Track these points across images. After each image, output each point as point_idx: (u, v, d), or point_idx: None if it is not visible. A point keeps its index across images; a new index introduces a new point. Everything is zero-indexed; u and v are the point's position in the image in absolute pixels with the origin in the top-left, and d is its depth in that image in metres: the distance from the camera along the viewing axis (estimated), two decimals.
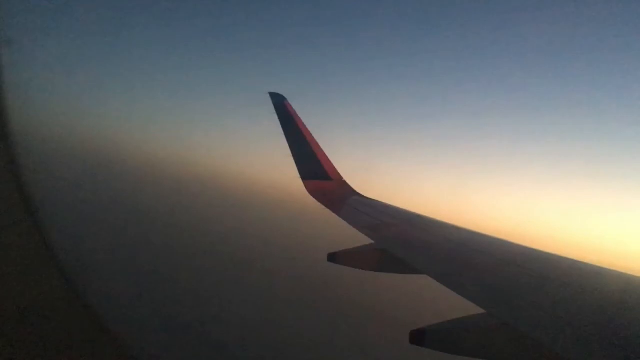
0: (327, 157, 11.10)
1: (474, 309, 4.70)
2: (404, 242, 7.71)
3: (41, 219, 5.18)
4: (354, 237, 7.95)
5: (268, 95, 11.72)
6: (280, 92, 11.82)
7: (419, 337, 4.52)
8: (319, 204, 9.80)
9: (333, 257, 7.69)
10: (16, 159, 4.94)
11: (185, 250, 59.98)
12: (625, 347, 3.81)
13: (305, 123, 11.36)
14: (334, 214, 9.17)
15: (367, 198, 10.47)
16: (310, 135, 11.20)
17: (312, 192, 10.21)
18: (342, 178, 10.98)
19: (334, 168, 11.04)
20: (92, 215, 63.01)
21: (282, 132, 11.06)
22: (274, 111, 11.39)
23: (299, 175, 10.57)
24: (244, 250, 66.37)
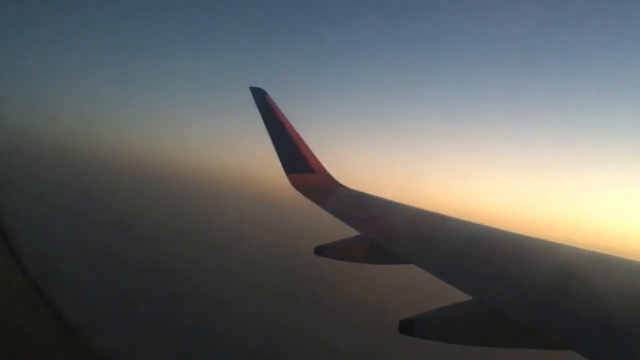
0: (310, 150, 11.05)
1: (462, 297, 4.71)
2: (390, 233, 7.71)
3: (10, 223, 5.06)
4: (340, 230, 7.94)
5: (249, 90, 11.64)
6: (261, 86, 11.74)
7: (408, 326, 4.51)
8: (303, 197, 9.77)
9: (320, 250, 7.67)
10: None
11: (170, 247, 59.73)
12: (613, 329, 3.83)
13: (287, 116, 11.31)
14: (319, 207, 9.15)
15: (351, 190, 10.46)
16: (293, 128, 11.14)
17: (297, 185, 10.17)
18: (325, 170, 10.95)
19: (317, 161, 11.00)
20: (73, 216, 62.53)
21: (264, 127, 11.00)
22: (255, 105, 11.32)
23: (282, 169, 10.53)
24: (229, 246, 66.18)
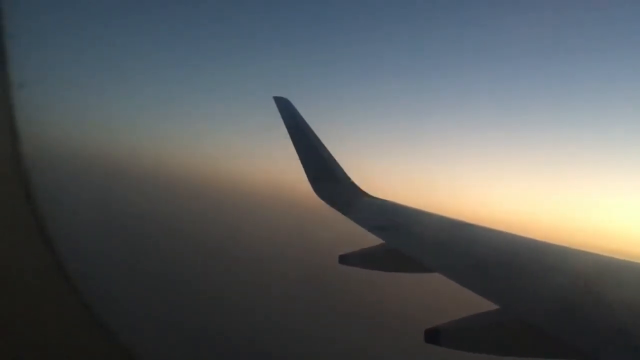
0: (334, 158, 11.10)
1: (487, 306, 4.68)
2: (415, 241, 7.70)
3: (43, 219, 5.22)
4: (364, 238, 7.94)
5: (272, 100, 11.77)
6: (285, 96, 11.85)
7: (434, 335, 4.50)
8: (328, 206, 9.81)
9: (344, 259, 7.68)
10: (21, 160, 4.98)
11: (195, 253, 60.10)
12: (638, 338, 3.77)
13: (311, 125, 11.39)
14: (343, 216, 9.17)
15: (376, 198, 10.46)
16: (316, 137, 11.21)
17: (321, 194, 10.21)
18: (350, 179, 10.97)
19: (341, 169, 11.04)
20: (96, 218, 63.30)
21: (288, 136, 11.09)
22: (278, 115, 11.44)
23: (306, 179, 10.59)
24: (255, 254, 66.30)
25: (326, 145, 11.23)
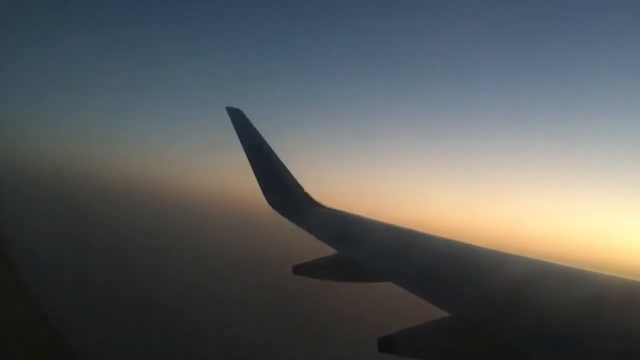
0: (286, 168, 11.07)
1: (440, 313, 4.74)
2: (368, 250, 7.73)
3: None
4: (318, 248, 7.94)
5: (225, 110, 11.68)
6: (237, 106, 11.80)
7: (387, 343, 4.52)
8: (281, 216, 9.77)
9: (298, 269, 7.65)
10: None
11: (147, 264, 58.85)
12: (593, 347, 3.87)
13: (264, 135, 11.35)
14: (296, 226, 9.15)
15: (328, 208, 10.47)
16: (269, 147, 11.18)
17: (274, 204, 10.16)
18: (303, 189, 10.96)
19: (294, 179, 11.02)
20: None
21: (241, 146, 11.01)
22: (231, 125, 11.35)
23: (259, 189, 10.52)
24: (205, 265, 65.51)
25: (279, 155, 11.21)
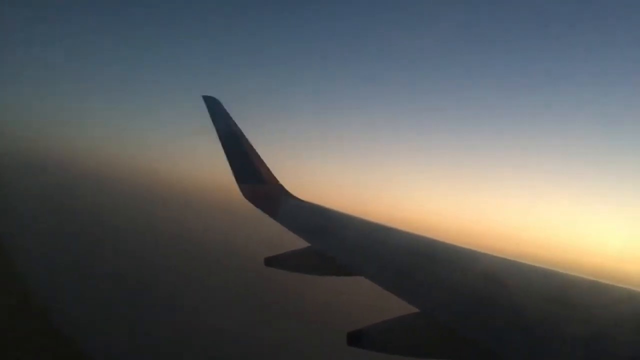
0: (262, 160, 11.02)
1: (409, 309, 4.78)
2: (340, 244, 7.75)
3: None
4: (290, 241, 7.93)
5: (201, 98, 11.57)
6: (214, 95, 11.69)
7: (356, 338, 4.54)
8: (254, 207, 9.73)
9: (269, 261, 7.63)
10: None
11: (120, 254, 58.24)
12: (540, 337, 3.95)
13: (240, 126, 11.28)
14: (270, 218, 9.12)
15: (303, 201, 10.47)
16: (245, 138, 11.11)
17: (248, 195, 10.11)
18: (277, 181, 10.93)
19: (269, 171, 10.98)
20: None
21: (217, 135, 10.93)
22: (207, 114, 11.26)
23: (234, 179, 10.46)
24: (180, 254, 65.07)
25: (255, 146, 11.15)
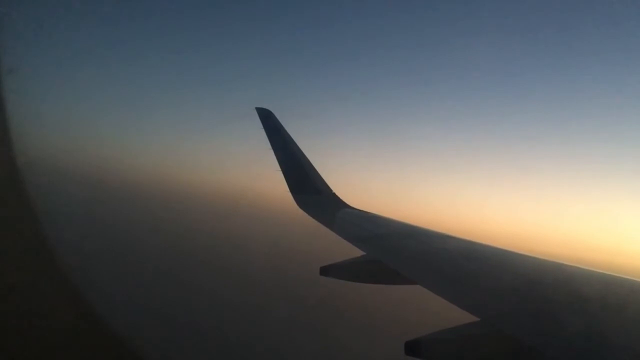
0: (315, 170, 11.09)
1: (468, 318, 4.68)
2: (396, 253, 7.69)
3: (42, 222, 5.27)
4: (346, 250, 7.91)
5: (255, 110, 11.76)
6: (267, 107, 11.86)
7: (414, 347, 4.48)
8: (309, 217, 9.77)
9: (325, 270, 7.64)
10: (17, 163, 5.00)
11: (176, 262, 59.67)
12: (620, 349, 3.80)
13: (293, 136, 11.39)
14: (325, 227, 9.14)
15: (357, 209, 10.44)
16: (298, 148, 11.21)
17: (302, 205, 10.18)
18: (331, 190, 10.97)
19: (322, 181, 11.03)
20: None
21: (270, 147, 11.07)
22: (261, 126, 11.42)
23: (288, 189, 10.55)
24: (233, 265, 66.01)
25: (308, 156, 11.22)
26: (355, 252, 7.69)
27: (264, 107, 11.85)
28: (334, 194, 10.91)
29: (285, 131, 11.43)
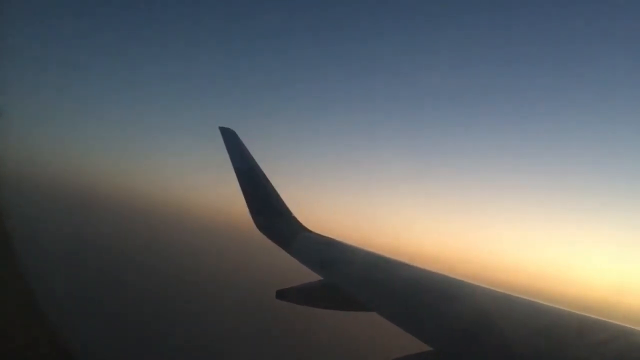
0: (276, 192, 11.04)
1: (422, 347, 4.70)
2: (353, 279, 7.68)
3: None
4: (303, 274, 7.88)
5: (218, 130, 11.68)
6: (231, 127, 11.79)
7: None
8: (267, 239, 9.70)
9: (281, 294, 7.57)
10: None
11: (136, 282, 58.43)
12: None
13: (255, 158, 11.34)
14: (283, 250, 9.08)
15: (316, 234, 10.42)
16: (260, 170, 11.15)
17: (262, 228, 10.10)
18: (291, 214, 10.92)
19: (283, 204, 10.98)
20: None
21: (232, 167, 10.99)
22: (223, 145, 11.34)
23: (248, 211, 10.46)
24: (193, 284, 65.04)
25: (270, 178, 11.18)
26: (313, 277, 7.67)
27: (229, 126, 11.79)
28: (294, 217, 10.86)
29: (248, 152, 11.37)
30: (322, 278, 7.58)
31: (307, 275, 7.76)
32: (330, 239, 10.14)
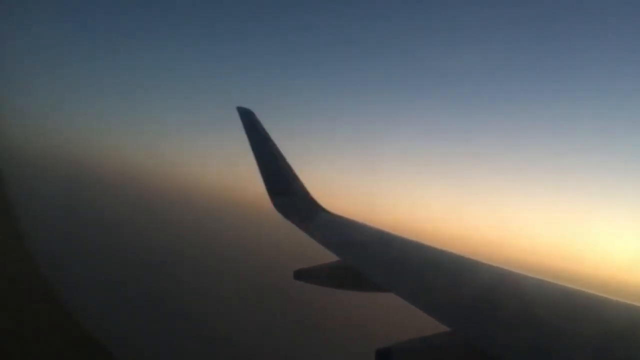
0: (294, 172, 11.02)
1: (440, 328, 4.67)
2: (371, 260, 7.66)
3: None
4: (321, 254, 7.87)
5: (236, 110, 11.66)
6: (249, 106, 11.76)
7: (385, 355, 4.45)
8: (285, 219, 9.71)
9: (299, 274, 7.58)
10: None
11: (149, 262, 59.12)
12: None
13: (273, 137, 11.31)
14: (300, 230, 9.08)
15: (334, 214, 10.40)
16: (278, 149, 11.13)
17: (279, 207, 10.10)
18: (309, 194, 10.90)
19: (301, 183, 10.97)
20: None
21: (250, 146, 10.97)
22: (241, 125, 11.33)
23: (265, 191, 10.46)
24: (207, 265, 65.65)
25: (288, 158, 11.15)
26: (331, 258, 7.66)
27: (247, 106, 11.76)
28: (312, 197, 10.85)
29: (266, 132, 11.34)
30: (340, 258, 7.58)
31: (325, 256, 7.75)
32: (348, 219, 10.11)
